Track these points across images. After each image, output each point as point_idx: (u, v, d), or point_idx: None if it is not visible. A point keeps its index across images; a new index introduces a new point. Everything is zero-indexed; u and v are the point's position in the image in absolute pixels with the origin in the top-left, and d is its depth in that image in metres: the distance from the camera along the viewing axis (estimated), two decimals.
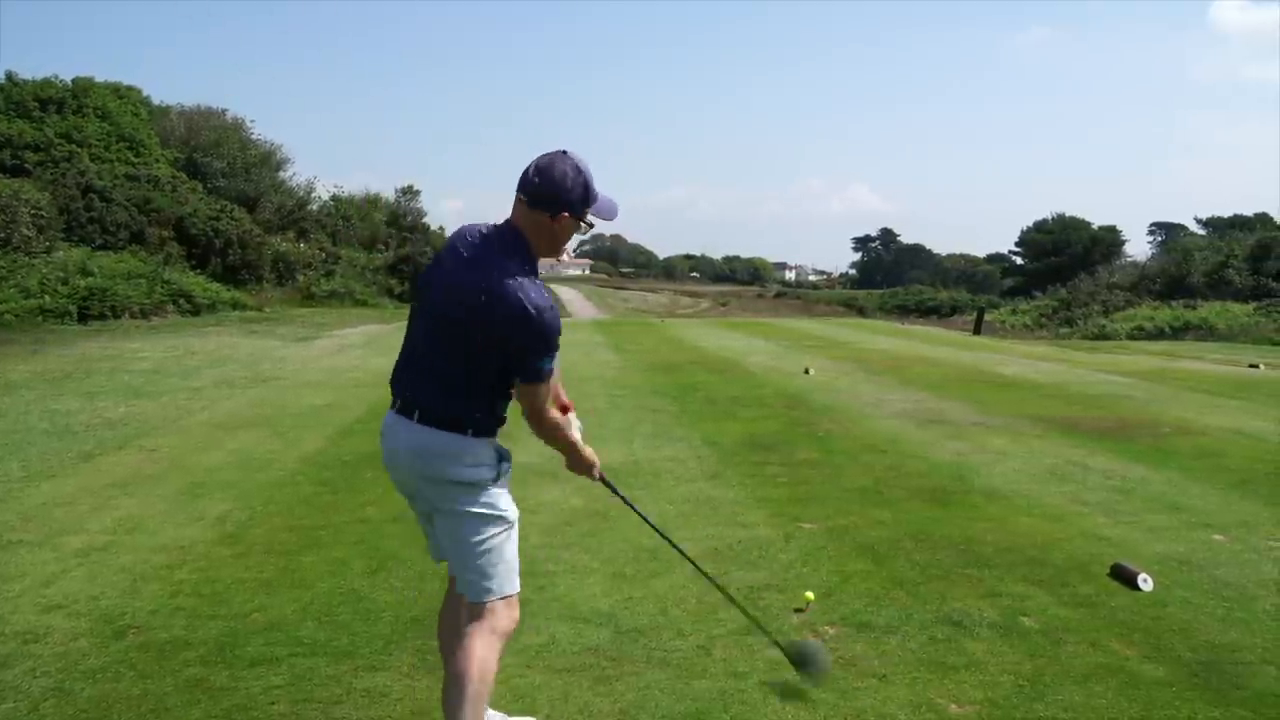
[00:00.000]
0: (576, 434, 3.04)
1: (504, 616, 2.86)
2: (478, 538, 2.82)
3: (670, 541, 3.44)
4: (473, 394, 2.79)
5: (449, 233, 3.05)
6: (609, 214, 2.90)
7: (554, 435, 2.94)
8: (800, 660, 3.38)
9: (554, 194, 2.74)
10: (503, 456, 2.88)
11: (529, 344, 2.70)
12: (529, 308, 2.66)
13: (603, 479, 3.15)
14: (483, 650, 2.78)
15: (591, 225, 2.89)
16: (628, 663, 3.70)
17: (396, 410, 2.88)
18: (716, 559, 4.96)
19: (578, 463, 3.05)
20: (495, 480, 2.84)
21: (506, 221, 2.82)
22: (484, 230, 2.83)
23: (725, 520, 5.69)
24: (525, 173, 2.78)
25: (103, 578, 4.63)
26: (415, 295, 2.99)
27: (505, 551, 2.86)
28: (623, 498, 3.22)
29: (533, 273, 2.77)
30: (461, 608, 2.89)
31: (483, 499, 2.81)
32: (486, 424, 2.82)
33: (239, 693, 3.44)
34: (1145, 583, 4.53)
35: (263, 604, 4.30)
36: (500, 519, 2.84)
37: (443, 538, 2.91)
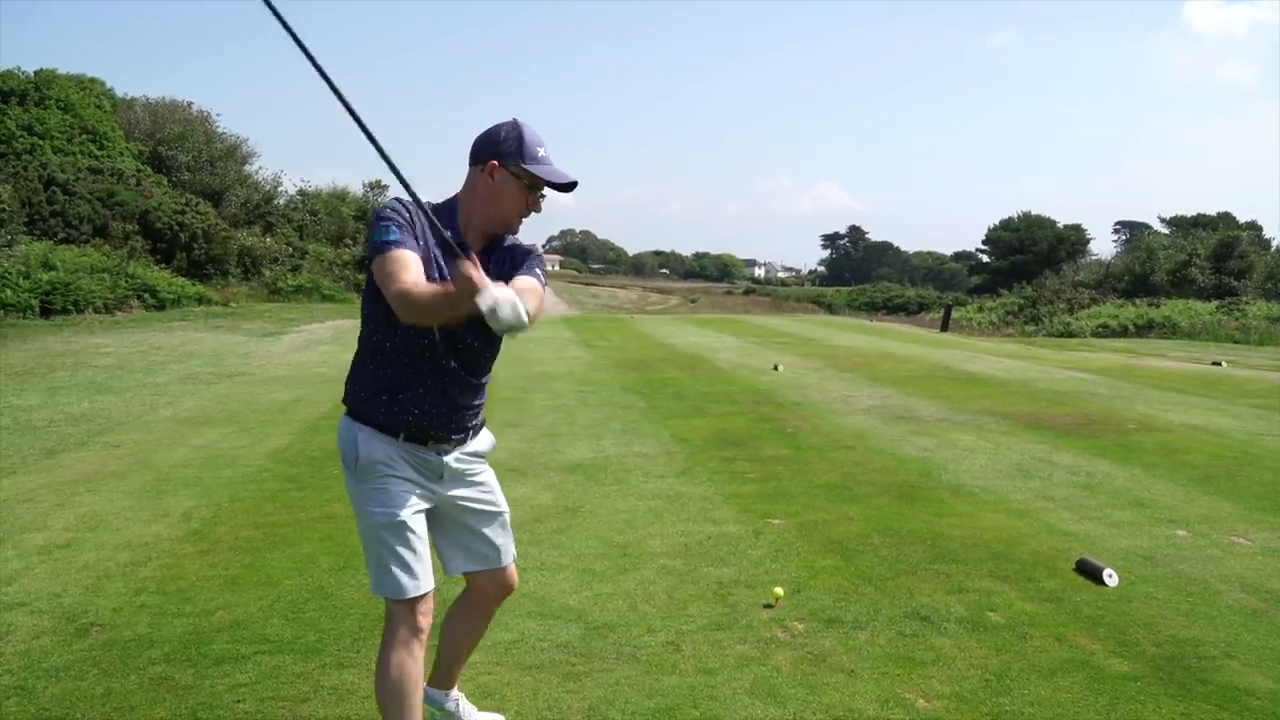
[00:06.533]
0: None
1: (397, 618, 2.72)
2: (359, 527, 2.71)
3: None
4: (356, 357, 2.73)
5: None
6: (554, 177, 2.61)
7: (431, 301, 2.33)
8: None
9: (485, 143, 2.62)
10: (358, 443, 2.61)
11: (368, 233, 2.57)
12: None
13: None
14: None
15: (533, 185, 2.62)
16: (597, 659, 3.69)
17: None
18: (686, 555, 4.97)
19: (463, 288, 2.23)
20: (353, 468, 2.63)
21: None
22: None
23: (695, 516, 5.69)
24: None
25: (65, 575, 4.56)
26: None
27: (375, 551, 2.64)
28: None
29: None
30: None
31: (348, 485, 2.70)
32: (349, 394, 2.70)
33: (204, 691, 3.39)
34: (1110, 578, 4.59)
35: (228, 601, 4.25)
36: (362, 515, 2.64)
37: None
